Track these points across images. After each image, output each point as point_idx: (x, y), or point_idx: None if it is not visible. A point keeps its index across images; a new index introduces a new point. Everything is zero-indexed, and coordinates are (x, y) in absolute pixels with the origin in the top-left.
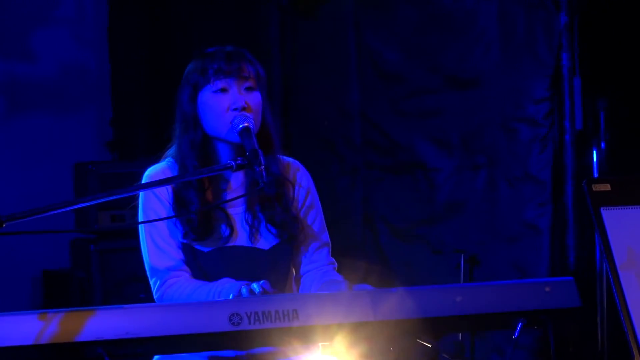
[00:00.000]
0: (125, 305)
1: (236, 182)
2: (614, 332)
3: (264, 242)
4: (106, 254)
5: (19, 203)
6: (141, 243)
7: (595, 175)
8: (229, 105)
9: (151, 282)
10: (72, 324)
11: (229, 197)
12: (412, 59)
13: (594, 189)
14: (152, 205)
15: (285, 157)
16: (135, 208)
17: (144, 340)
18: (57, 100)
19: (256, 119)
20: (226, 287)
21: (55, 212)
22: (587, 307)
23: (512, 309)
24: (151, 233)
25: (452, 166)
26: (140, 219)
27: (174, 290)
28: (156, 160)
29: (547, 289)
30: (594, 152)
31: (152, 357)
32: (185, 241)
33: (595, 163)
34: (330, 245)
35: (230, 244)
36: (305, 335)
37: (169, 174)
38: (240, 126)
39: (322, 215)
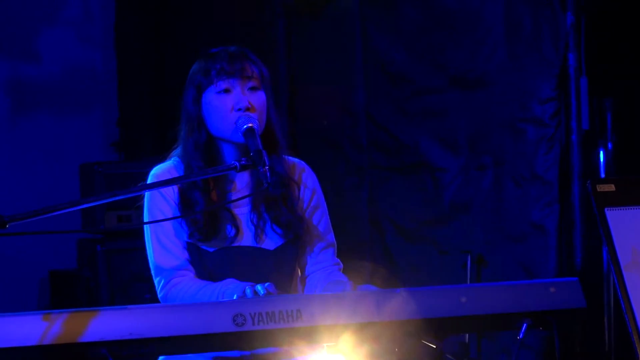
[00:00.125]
0: (129, 306)
1: (241, 183)
2: (620, 333)
3: (270, 242)
4: (112, 254)
5: (25, 203)
6: (146, 242)
7: (602, 175)
8: (233, 106)
9: (155, 281)
10: (75, 325)
11: (234, 197)
12: (418, 59)
13: (598, 190)
14: (158, 205)
15: (290, 158)
16: (142, 208)
17: (147, 341)
18: (64, 100)
19: (260, 119)
20: (230, 287)
21: (59, 212)
22: (594, 308)
23: (516, 309)
24: (156, 232)
25: (458, 166)
26: (146, 218)
27: (178, 289)
28: (162, 160)
29: (552, 289)
30: (601, 152)
31: (157, 357)
32: (190, 241)
33: (602, 163)
34: (336, 245)
35: (236, 244)
36: (309, 336)
37: (174, 174)
38: (245, 127)
39: (328, 216)
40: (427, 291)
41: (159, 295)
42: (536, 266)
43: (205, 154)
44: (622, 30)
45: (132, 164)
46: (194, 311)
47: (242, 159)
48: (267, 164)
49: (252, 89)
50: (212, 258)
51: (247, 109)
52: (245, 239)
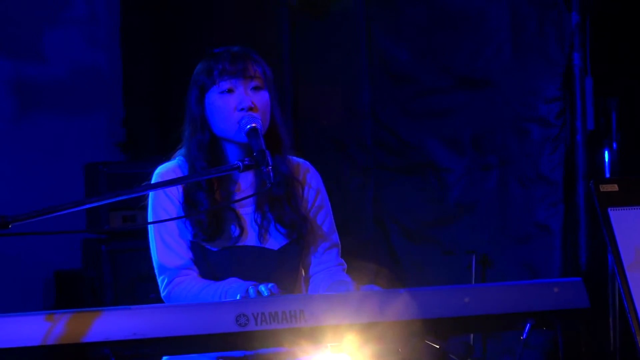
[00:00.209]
0: (132, 306)
1: (246, 183)
2: (626, 333)
3: (273, 242)
4: (117, 254)
5: (29, 203)
6: (150, 241)
7: (607, 175)
8: (236, 106)
9: (159, 280)
10: (78, 325)
11: (238, 198)
12: (423, 59)
13: (601, 189)
14: (162, 204)
15: (295, 158)
16: (146, 208)
17: (151, 341)
18: (68, 101)
19: (264, 119)
20: (233, 286)
21: (62, 213)
22: (599, 308)
23: (520, 309)
24: (160, 231)
25: (463, 166)
26: (150, 217)
27: (182, 288)
28: (167, 159)
29: (555, 289)
30: (606, 152)
31: (160, 357)
32: (194, 240)
33: (607, 163)
34: (340, 246)
35: (240, 243)
36: (312, 336)
37: (179, 173)
38: (248, 126)
39: (332, 216)
40: (430, 291)
41: (162, 295)
42: (541, 266)
43: (208, 155)
44: (627, 30)
45: (136, 164)
46: (196, 311)
47: (246, 159)
48: (270, 164)
49: (255, 88)
50: (216, 257)
51: (250, 109)
52: (250, 238)
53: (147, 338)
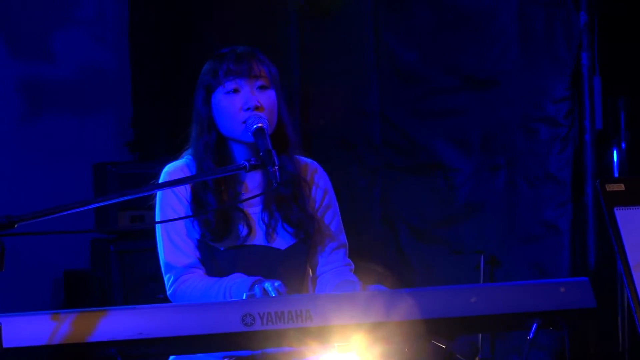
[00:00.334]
0: (138, 306)
1: (253, 183)
2: (634, 333)
3: (281, 241)
4: (126, 255)
5: (38, 203)
6: (157, 239)
7: (616, 175)
8: (242, 106)
9: (165, 278)
10: (84, 325)
11: (245, 198)
12: (431, 59)
13: (607, 189)
14: (170, 203)
15: (303, 158)
16: (154, 207)
17: (156, 341)
18: (77, 101)
19: (271, 118)
20: (237, 282)
21: (68, 212)
22: (608, 308)
23: (526, 309)
24: (167, 230)
25: (471, 166)
26: (158, 215)
27: (187, 286)
28: (175, 158)
29: (562, 289)
30: (614, 151)
31: (166, 357)
32: (202, 239)
33: (615, 163)
34: (347, 246)
35: (248, 243)
36: (318, 336)
37: (187, 172)
38: (254, 126)
39: (340, 217)
40: (436, 291)
41: (168, 293)
42: (550, 266)
43: (216, 155)
44: (636, 30)
45: (145, 163)
46: (202, 311)
47: (252, 158)
48: (276, 163)
49: (261, 88)
50: (223, 257)
51: (256, 108)
52: (257, 238)
53: (152, 338)
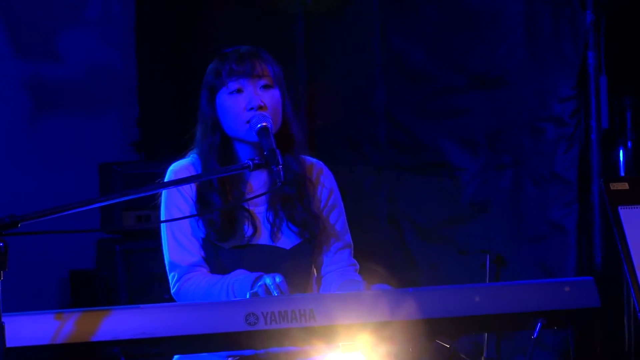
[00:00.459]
0: (141, 305)
1: (258, 183)
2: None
3: (286, 240)
4: (131, 254)
5: (44, 203)
6: (162, 238)
7: (622, 174)
8: (245, 106)
9: (169, 277)
10: (88, 324)
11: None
12: (437, 58)
13: (611, 188)
14: (176, 202)
15: (309, 158)
16: (159, 206)
17: (159, 340)
18: (84, 100)
19: (275, 118)
20: (240, 278)
21: (70, 212)
22: (614, 307)
23: (531, 309)
24: (173, 229)
25: (477, 166)
26: (163, 214)
27: (190, 284)
28: (181, 157)
29: (566, 289)
30: (621, 151)
31: (170, 356)
32: (207, 238)
33: (621, 162)
34: (352, 247)
35: (253, 242)
36: (321, 335)
37: (192, 171)
38: (258, 126)
39: (345, 217)
40: (440, 291)
41: (172, 291)
42: (556, 266)
43: (220, 155)
44: None
45: (150, 163)
46: (206, 310)
47: (256, 158)
48: (280, 162)
49: (265, 87)
50: (227, 255)
51: (260, 108)
52: (262, 237)
53: (156, 337)
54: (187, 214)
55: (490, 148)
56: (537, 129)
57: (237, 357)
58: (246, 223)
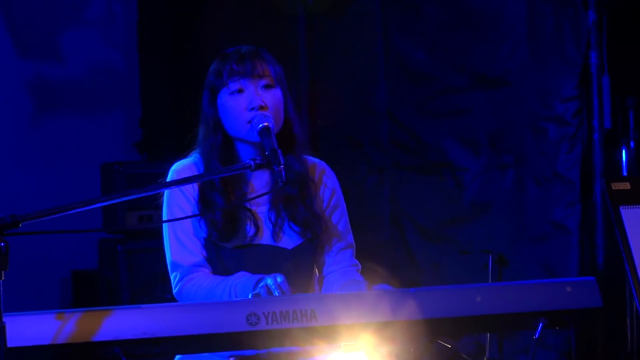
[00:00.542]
0: (143, 305)
1: (260, 183)
2: None
3: (288, 240)
4: (133, 254)
5: (47, 204)
6: (164, 238)
7: (625, 174)
8: (247, 106)
9: (171, 277)
10: (89, 324)
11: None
12: (439, 58)
13: (613, 188)
14: (178, 201)
15: (311, 158)
16: (161, 206)
17: (161, 340)
18: (86, 101)
19: (276, 117)
20: (242, 280)
21: (71, 212)
22: (617, 307)
23: (532, 309)
24: (174, 229)
25: (479, 166)
26: (165, 214)
27: (192, 285)
28: (184, 157)
29: (568, 289)
30: (623, 151)
31: (171, 356)
32: (209, 238)
33: (624, 162)
34: (355, 247)
35: (255, 242)
36: (323, 335)
37: (195, 170)
38: (260, 126)
39: (347, 217)
40: (442, 291)
41: (174, 291)
42: (558, 266)
43: (222, 155)
44: None
45: (153, 164)
46: (207, 310)
47: (257, 157)
48: (282, 162)
49: (266, 87)
50: (229, 255)
51: (261, 108)
52: (265, 237)
53: (157, 337)
54: (189, 214)
55: (492, 148)
56: (539, 129)
57: (239, 357)
58: (248, 223)
